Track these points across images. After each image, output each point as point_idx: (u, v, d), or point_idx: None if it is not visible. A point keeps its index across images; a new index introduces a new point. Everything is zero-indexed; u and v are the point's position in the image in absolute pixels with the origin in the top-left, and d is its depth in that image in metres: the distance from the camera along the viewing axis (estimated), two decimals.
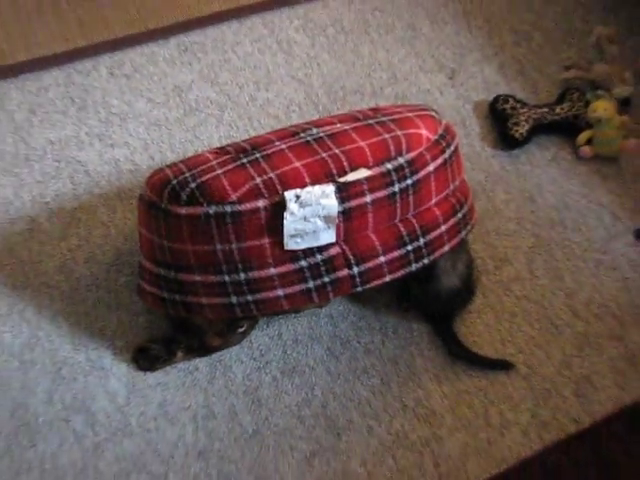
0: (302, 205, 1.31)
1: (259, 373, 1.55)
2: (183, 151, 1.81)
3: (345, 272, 1.38)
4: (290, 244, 1.34)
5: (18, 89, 1.86)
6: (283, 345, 1.59)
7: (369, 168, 1.37)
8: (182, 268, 1.38)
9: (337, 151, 1.37)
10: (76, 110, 1.84)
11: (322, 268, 1.37)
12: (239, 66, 1.95)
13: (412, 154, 1.40)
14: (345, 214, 1.35)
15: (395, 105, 1.56)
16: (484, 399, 1.55)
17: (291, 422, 1.51)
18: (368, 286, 1.41)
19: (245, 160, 1.37)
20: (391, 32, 2.04)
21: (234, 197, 1.32)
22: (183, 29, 1.99)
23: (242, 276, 1.35)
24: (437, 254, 1.46)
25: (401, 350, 1.59)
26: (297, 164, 1.35)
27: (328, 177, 1.35)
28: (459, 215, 1.49)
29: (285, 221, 1.31)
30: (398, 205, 1.39)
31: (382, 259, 1.40)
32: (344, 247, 1.38)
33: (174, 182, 1.36)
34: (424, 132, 1.43)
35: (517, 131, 1.86)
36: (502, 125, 1.88)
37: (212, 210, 1.32)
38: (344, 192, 1.34)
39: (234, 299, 1.37)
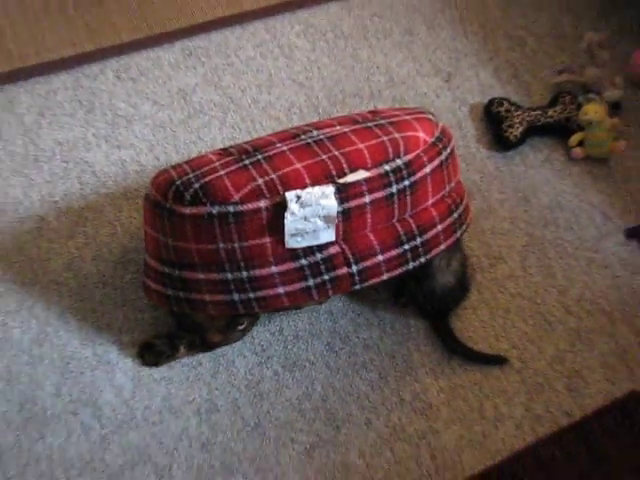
0: (302, 205, 1.30)
1: (261, 368, 1.55)
2: (187, 152, 1.80)
3: (344, 270, 1.38)
4: (291, 243, 1.33)
5: (28, 92, 1.85)
6: (284, 340, 1.58)
7: (368, 170, 1.36)
8: (186, 266, 1.37)
9: (337, 153, 1.37)
10: (84, 112, 1.84)
11: (322, 266, 1.36)
12: (242, 70, 1.94)
13: (410, 156, 1.39)
14: (344, 214, 1.34)
15: (393, 108, 1.55)
16: (479, 393, 1.55)
17: (292, 415, 1.50)
18: (366, 284, 1.41)
19: (247, 161, 1.36)
20: (389, 37, 2.03)
21: (236, 197, 1.31)
22: (187, 34, 1.98)
23: (244, 274, 1.34)
24: (433, 253, 1.45)
25: (399, 345, 1.59)
26: (298, 165, 1.34)
27: (328, 178, 1.34)
28: (455, 215, 1.48)
29: (286, 221, 1.31)
30: (396, 205, 1.39)
31: (380, 258, 1.39)
32: (343, 246, 1.37)
33: (178, 182, 1.35)
34: (421, 135, 1.43)
35: (511, 133, 1.85)
36: (497, 127, 1.87)
37: (215, 210, 1.31)
38: (343, 193, 1.33)
39: (236, 296, 1.36)
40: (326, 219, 1.33)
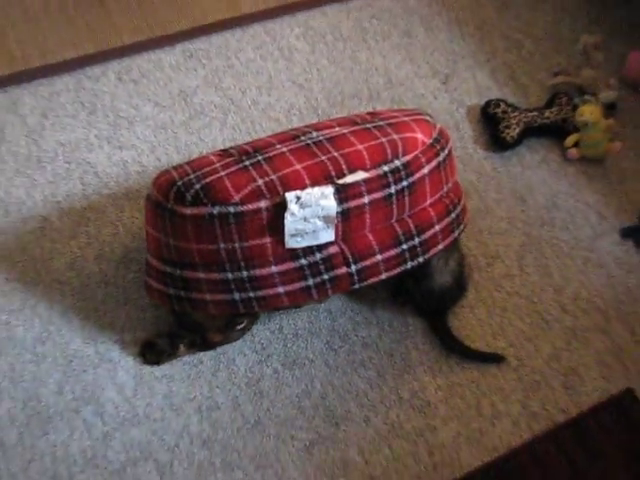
0: (302, 206, 1.30)
1: (261, 366, 1.54)
2: (188, 153, 1.80)
3: (343, 270, 1.37)
4: (291, 243, 1.33)
5: (31, 94, 1.85)
6: (284, 339, 1.58)
7: (367, 170, 1.36)
8: (187, 266, 1.37)
9: (336, 154, 1.36)
10: (86, 114, 1.83)
11: (321, 266, 1.36)
12: (242, 72, 1.94)
13: (408, 157, 1.39)
14: (343, 214, 1.34)
15: (391, 109, 1.55)
16: (476, 390, 1.54)
17: (291, 413, 1.50)
18: (365, 283, 1.40)
19: (247, 162, 1.36)
20: (387, 39, 2.03)
21: (237, 198, 1.30)
22: (188, 36, 1.97)
23: (244, 274, 1.34)
24: (431, 253, 1.45)
25: (397, 344, 1.58)
26: (297, 166, 1.34)
27: (327, 179, 1.34)
28: (452, 215, 1.47)
29: (286, 221, 1.30)
30: (394, 206, 1.38)
31: (379, 257, 1.39)
32: (342, 246, 1.37)
33: (179, 183, 1.35)
34: (419, 136, 1.42)
35: (508, 134, 1.85)
36: (494, 128, 1.87)
37: (216, 210, 1.30)
38: (342, 193, 1.33)
39: (237, 296, 1.36)
40: (325, 219, 1.32)
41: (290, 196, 1.30)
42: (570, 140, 1.85)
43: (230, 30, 2.00)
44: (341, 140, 1.39)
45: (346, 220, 1.34)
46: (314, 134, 1.41)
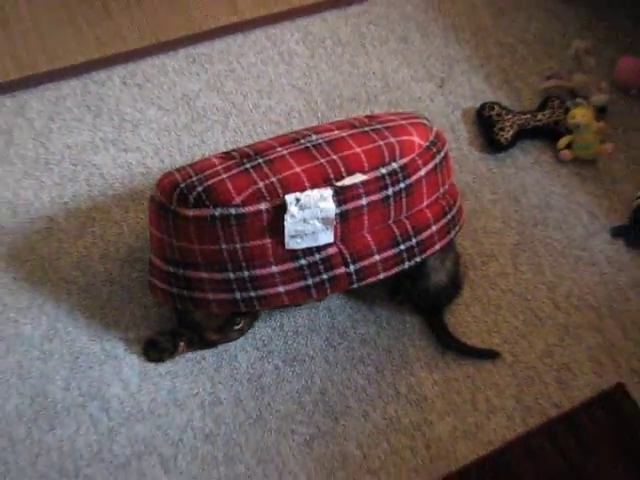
0: (302, 208, 1.29)
1: (262, 362, 1.53)
2: (191, 155, 1.79)
3: (342, 270, 1.36)
4: (291, 244, 1.32)
5: (38, 98, 1.84)
6: (284, 336, 1.57)
7: (364, 173, 1.35)
8: (190, 266, 1.36)
9: (335, 157, 1.35)
10: (92, 117, 1.82)
11: (320, 266, 1.35)
12: (243, 76, 1.93)
13: (405, 160, 1.38)
14: (342, 216, 1.33)
15: (389, 113, 1.54)
16: (472, 386, 1.54)
17: (292, 408, 1.49)
18: (363, 283, 1.39)
19: (248, 165, 1.35)
20: (385, 44, 2.02)
21: (238, 200, 1.30)
22: (191, 41, 1.96)
23: (246, 274, 1.33)
24: (428, 253, 1.44)
25: (395, 340, 1.58)
26: (297, 169, 1.33)
27: (326, 181, 1.33)
28: (449, 216, 1.47)
29: (286, 223, 1.30)
30: (392, 207, 1.37)
31: (377, 258, 1.38)
32: (341, 247, 1.36)
33: (182, 185, 1.34)
34: (416, 139, 1.41)
35: (502, 136, 1.84)
36: (488, 130, 1.86)
37: (217, 212, 1.30)
38: (341, 195, 1.32)
39: (238, 295, 1.35)
40: (324, 221, 1.31)
41: (290, 198, 1.29)
42: (562, 142, 1.84)
43: (232, 35, 1.99)
44: (340, 143, 1.38)
45: (345, 221, 1.33)
46: (313, 137, 1.40)
